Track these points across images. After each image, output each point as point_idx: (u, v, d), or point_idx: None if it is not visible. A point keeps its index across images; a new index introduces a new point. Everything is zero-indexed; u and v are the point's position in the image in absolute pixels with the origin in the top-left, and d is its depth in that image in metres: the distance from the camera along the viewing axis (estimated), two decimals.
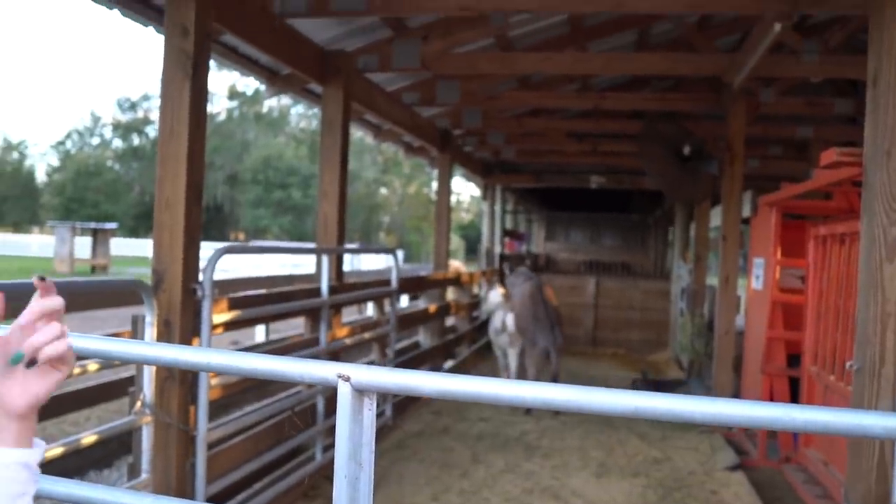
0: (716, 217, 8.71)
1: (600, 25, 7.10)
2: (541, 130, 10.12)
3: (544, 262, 15.34)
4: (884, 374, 2.84)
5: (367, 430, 1.49)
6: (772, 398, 5.70)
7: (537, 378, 7.29)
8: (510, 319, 7.76)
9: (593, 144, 10.27)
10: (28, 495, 0.85)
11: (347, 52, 5.75)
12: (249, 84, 39.41)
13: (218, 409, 4.75)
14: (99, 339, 1.53)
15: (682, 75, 7.57)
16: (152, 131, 43.38)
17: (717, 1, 4.41)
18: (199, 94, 3.58)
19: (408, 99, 7.71)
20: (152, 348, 1.69)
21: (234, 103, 40.95)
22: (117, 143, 47.00)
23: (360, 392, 1.46)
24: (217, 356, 1.55)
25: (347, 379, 1.44)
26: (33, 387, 0.81)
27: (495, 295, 8.49)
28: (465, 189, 40.83)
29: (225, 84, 37.41)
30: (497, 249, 13.59)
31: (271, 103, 40.67)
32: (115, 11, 4.54)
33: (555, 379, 7.26)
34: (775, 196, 5.72)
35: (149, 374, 3.14)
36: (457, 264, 12.91)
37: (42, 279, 0.82)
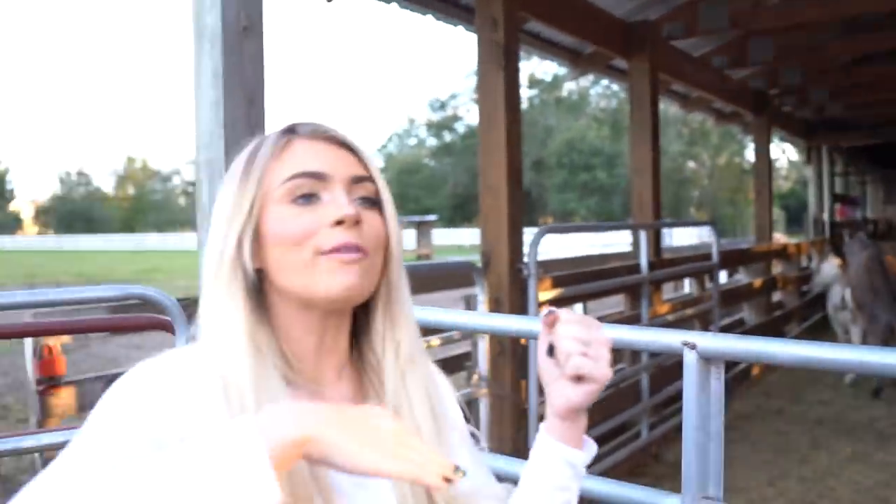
0: None
1: None
2: (873, 79, 8.95)
3: (885, 229, 13.60)
4: None
5: (716, 399, 1.45)
6: None
7: None
8: (848, 294, 7.02)
9: None
10: (571, 491, 0.95)
11: (651, 21, 5.59)
12: (547, 70, 40.08)
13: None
14: (452, 312, 1.66)
15: None
16: (461, 128, 46.01)
17: None
18: (513, 83, 3.73)
19: (716, 62, 7.30)
20: (496, 319, 1.79)
21: (535, 91, 41.96)
22: (431, 141, 50.74)
23: (706, 360, 1.41)
24: None
25: (693, 347, 1.40)
26: (569, 392, 0.90)
27: (830, 267, 7.72)
28: (781, 155, 37.60)
29: (525, 73, 38.49)
30: (826, 217, 12.35)
31: (570, 87, 41.00)
32: (429, 16, 4.91)
33: None
34: None
35: (483, 350, 3.35)
36: (779, 236, 11.96)
37: (549, 313, 0.90)
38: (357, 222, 0.83)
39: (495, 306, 3.51)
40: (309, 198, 0.84)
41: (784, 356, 1.35)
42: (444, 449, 0.90)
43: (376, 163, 0.91)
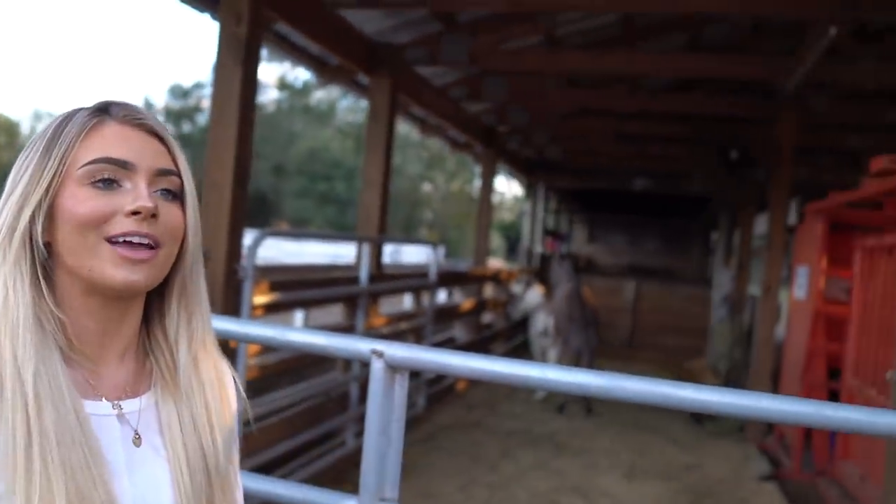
0: (760, 224, 8.59)
1: (652, 26, 7.04)
2: (587, 131, 10.07)
3: (584, 264, 15.26)
4: None
5: (398, 406, 1.53)
6: None
7: None
8: (551, 322, 7.78)
9: (641, 147, 10.18)
10: None
11: (396, 45, 5.80)
12: (299, 76, 39.78)
13: (255, 391, 4.85)
14: None
15: (733, 78, 7.48)
16: (203, 119, 43.95)
17: (772, 3, 4.35)
18: (250, 80, 3.65)
19: (455, 94, 7.74)
20: None
21: (283, 95, 41.38)
22: (169, 129, 47.90)
23: (392, 368, 1.49)
24: (257, 328, 1.60)
25: (381, 355, 1.47)
26: None
27: (534, 294, 8.49)
28: (507, 189, 40.74)
29: (274, 75, 37.81)
30: (538, 249, 13.57)
31: (319, 96, 41.01)
32: None
33: None
34: (822, 204, 5.63)
35: None
36: (495, 263, 12.91)
37: None
38: (153, 215, 0.84)
39: None
40: (109, 183, 0.84)
41: (460, 368, 1.47)
42: (229, 434, 0.95)
43: (184, 156, 0.92)
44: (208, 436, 0.92)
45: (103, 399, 0.87)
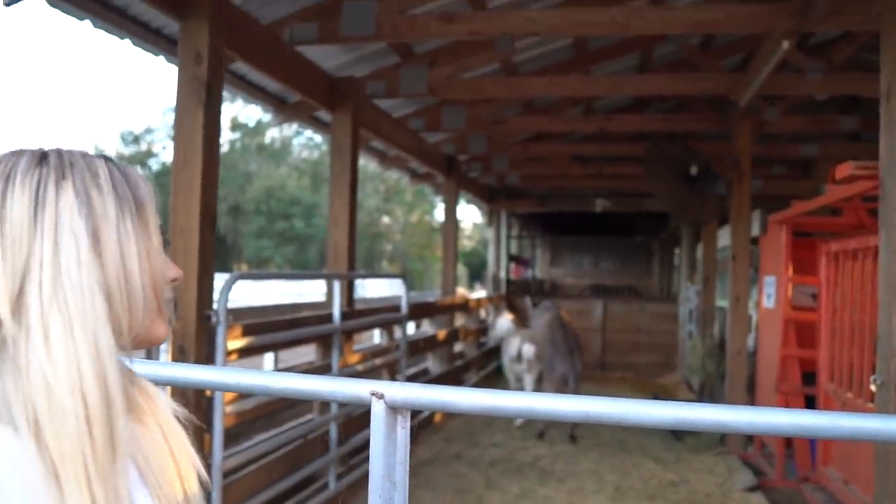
0: (723, 237, 8.69)
1: (604, 49, 7.15)
2: (546, 155, 10.14)
3: (549, 288, 15.29)
4: None
5: (401, 448, 1.46)
6: None
7: None
8: (527, 349, 7.75)
9: (598, 168, 10.29)
10: None
11: (356, 79, 5.78)
12: (251, 115, 39.59)
13: (228, 438, 4.71)
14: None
15: (686, 95, 7.61)
16: (155, 164, 43.45)
17: (724, 20, 4.43)
18: (213, 121, 3.58)
19: (414, 125, 7.75)
20: (183, 369, 1.66)
21: (237, 135, 41.11)
22: None
23: (393, 409, 1.43)
24: (248, 376, 1.53)
25: (381, 396, 1.41)
26: None
27: (504, 322, 8.46)
28: (467, 216, 40.92)
29: (227, 115, 37.55)
30: (503, 275, 13.56)
31: (273, 134, 40.83)
32: (127, 41, 4.59)
33: None
34: (786, 213, 5.71)
35: None
36: (462, 291, 12.89)
37: None
38: None
39: (179, 355, 3.29)
40: None
41: (464, 405, 1.41)
42: None
43: None
44: None
45: None
